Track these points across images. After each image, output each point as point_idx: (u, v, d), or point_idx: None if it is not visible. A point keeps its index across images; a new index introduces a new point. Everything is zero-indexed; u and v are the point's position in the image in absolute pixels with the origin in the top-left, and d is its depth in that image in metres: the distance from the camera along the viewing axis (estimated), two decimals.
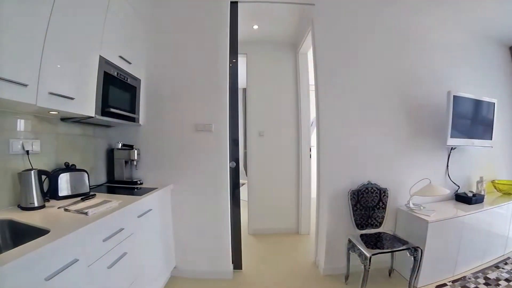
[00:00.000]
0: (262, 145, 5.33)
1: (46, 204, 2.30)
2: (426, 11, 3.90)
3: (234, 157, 3.71)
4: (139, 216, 2.66)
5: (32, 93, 1.87)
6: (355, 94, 3.72)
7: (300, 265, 4.01)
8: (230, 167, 3.63)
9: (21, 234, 1.80)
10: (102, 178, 3.55)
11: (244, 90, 6.32)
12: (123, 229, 2.31)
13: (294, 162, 5.36)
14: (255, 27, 4.85)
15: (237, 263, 3.80)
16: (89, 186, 2.87)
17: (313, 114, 5.15)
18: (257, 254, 4.41)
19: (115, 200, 2.45)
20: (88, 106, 2.50)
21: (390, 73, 3.79)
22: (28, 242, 1.46)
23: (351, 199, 3.49)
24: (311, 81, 4.97)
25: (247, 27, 4.68)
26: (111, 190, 3.23)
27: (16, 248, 1.39)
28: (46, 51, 1.96)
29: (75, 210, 2.11)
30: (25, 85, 1.78)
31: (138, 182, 3.52)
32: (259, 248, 4.68)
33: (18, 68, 1.74)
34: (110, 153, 3.58)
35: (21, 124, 2.32)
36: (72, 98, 2.25)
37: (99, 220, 1.95)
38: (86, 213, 2.04)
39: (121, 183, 3.49)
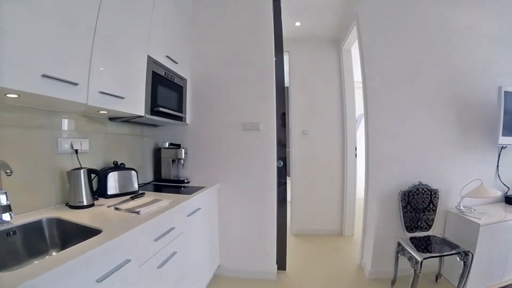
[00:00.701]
0: (306, 144, 5.19)
1: (95, 202, 2.27)
2: (476, 1, 3.64)
3: (281, 156, 3.60)
4: (188, 215, 2.61)
5: (83, 92, 1.85)
6: (404, 90, 3.52)
7: (345, 267, 3.86)
8: (277, 166, 3.53)
9: (72, 233, 1.77)
10: (149, 176, 3.55)
11: (287, 88, 6.22)
12: (174, 228, 2.26)
13: (339, 162, 5.16)
14: (297, 24, 4.73)
15: (281, 264, 3.68)
16: (139, 185, 2.86)
17: (358, 112, 5.02)
18: (301, 255, 4.28)
19: (165, 199, 2.40)
20: (137, 106, 2.49)
21: (439, 67, 3.53)
22: (79, 242, 1.42)
23: (401, 200, 3.30)
24: (356, 78, 4.85)
25: (289, 24, 4.55)
26: (158, 188, 3.22)
27: (69, 248, 1.33)
28: (95, 50, 1.93)
29: (126, 209, 2.06)
30: (76, 84, 1.76)
31: (185, 181, 3.49)
32: (302, 249, 4.54)
33: (68, 67, 1.72)
34: (157, 152, 3.59)
35: (70, 124, 2.31)
36: (122, 98, 2.23)
37: (152, 219, 1.89)
38: (138, 212, 1.98)
39: (167, 182, 3.48)
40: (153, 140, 3.64)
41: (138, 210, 2.01)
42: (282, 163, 3.61)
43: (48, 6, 1.56)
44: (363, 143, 3.72)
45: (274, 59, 3.54)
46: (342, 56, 5.15)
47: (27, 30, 1.44)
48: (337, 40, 5.20)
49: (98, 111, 2.30)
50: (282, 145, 3.63)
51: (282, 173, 3.65)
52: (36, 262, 1.19)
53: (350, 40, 4.71)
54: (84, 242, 1.41)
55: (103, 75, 2.04)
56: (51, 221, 1.87)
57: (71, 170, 2.16)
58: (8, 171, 1.50)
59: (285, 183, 3.72)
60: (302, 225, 5.18)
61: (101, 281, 1.38)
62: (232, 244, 3.60)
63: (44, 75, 1.52)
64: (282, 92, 3.66)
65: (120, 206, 2.13)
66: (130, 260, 1.63)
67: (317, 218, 5.21)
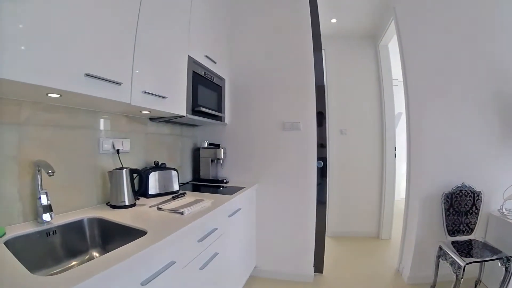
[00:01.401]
0: (343, 143, 5.01)
1: (136, 202, 2.24)
2: None
3: (320, 156, 3.47)
4: (229, 216, 2.55)
5: (126, 92, 1.83)
6: (446, 87, 3.30)
7: (382, 271, 3.69)
8: (317, 166, 3.41)
9: (115, 233, 1.75)
10: (187, 176, 3.53)
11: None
12: (217, 229, 2.20)
13: (377, 162, 4.96)
14: (333, 20, 4.61)
15: (318, 266, 3.54)
16: (179, 185, 2.83)
17: (397, 110, 4.84)
18: (337, 258, 4.12)
19: (207, 199, 2.35)
20: (179, 105, 2.46)
21: (482, 63, 3.27)
22: (123, 242, 1.39)
23: (444, 203, 3.11)
24: (394, 75, 4.70)
25: (325, 21, 4.41)
26: (197, 188, 3.18)
27: (115, 250, 1.29)
28: (138, 50, 1.92)
29: (169, 210, 2.02)
30: (119, 84, 1.74)
31: (224, 181, 3.44)
32: (338, 251, 4.39)
33: (111, 67, 1.70)
34: (195, 152, 3.57)
35: (111, 124, 2.30)
36: (164, 97, 2.21)
37: (197, 220, 1.84)
38: (181, 213, 1.93)
39: (206, 182, 3.44)
40: (192, 140, 3.62)
41: (182, 210, 1.95)
42: (322, 163, 3.48)
43: (91, 7, 1.55)
44: (402, 142, 3.56)
45: (313, 56, 3.42)
46: (380, 53, 4.95)
47: (69, 31, 1.42)
48: (374, 37, 5.01)
49: (140, 111, 2.30)
50: (322, 145, 3.50)
51: (322, 173, 3.53)
52: (83, 265, 1.14)
53: (388, 36, 4.52)
54: (130, 243, 1.37)
55: (145, 75, 2.02)
56: (92, 221, 1.85)
57: (113, 169, 2.14)
58: (50, 171, 1.49)
59: (325, 184, 3.59)
60: (338, 227, 5.01)
61: (146, 284, 1.33)
62: (269, 245, 3.51)
63: (87, 74, 1.51)
64: (321, 91, 3.53)
65: (163, 206, 2.09)
66: (175, 262, 1.58)
67: (354, 220, 5.03)
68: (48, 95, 1.51)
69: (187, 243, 1.79)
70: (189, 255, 1.81)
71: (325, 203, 3.59)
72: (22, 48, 1.21)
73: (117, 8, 1.75)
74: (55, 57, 1.35)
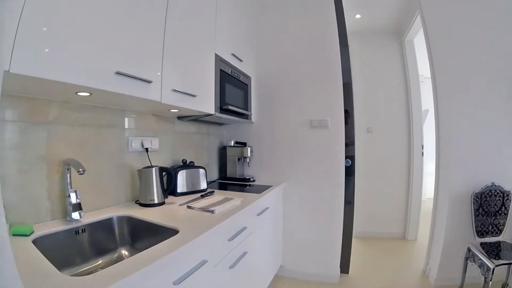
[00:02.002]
0: (369, 142, 4.85)
1: (165, 201, 2.21)
2: None
3: (348, 154, 3.37)
4: (258, 215, 2.49)
5: (156, 90, 1.83)
6: (475, 83, 3.11)
7: (409, 273, 3.54)
8: (344, 165, 3.32)
9: (145, 232, 1.74)
10: (214, 175, 3.51)
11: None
12: (246, 228, 2.15)
13: (404, 161, 4.77)
14: (358, 16, 4.47)
15: (344, 267, 3.43)
16: (207, 183, 2.81)
17: (424, 107, 4.70)
18: (362, 258, 3.99)
19: (236, 197, 2.31)
20: (208, 104, 2.45)
21: None
22: (153, 241, 1.38)
23: (473, 203, 2.96)
24: (421, 71, 4.57)
25: (349, 17, 4.25)
26: (224, 186, 3.16)
27: (149, 249, 1.27)
28: (166, 49, 1.91)
29: (199, 208, 1.98)
30: (149, 82, 1.73)
31: (251, 179, 3.39)
32: (364, 252, 4.25)
33: (140, 65, 1.69)
34: (222, 150, 3.54)
35: (139, 123, 2.30)
36: (194, 96, 2.20)
37: (228, 219, 1.80)
38: (212, 211, 1.90)
39: (233, 180, 3.41)
40: (218, 138, 3.59)
41: (212, 209, 1.92)
42: (350, 162, 3.37)
43: (121, 5, 1.55)
44: (429, 140, 3.42)
45: (340, 52, 3.32)
46: (405, 48, 4.79)
47: (101, 30, 1.43)
48: (399, 32, 4.83)
49: (169, 110, 2.28)
50: (349, 143, 3.40)
51: (349, 172, 3.42)
52: (117, 264, 1.12)
53: (413, 31, 4.37)
54: (163, 242, 1.35)
55: (174, 74, 2.02)
56: (122, 219, 1.84)
57: (143, 168, 2.13)
58: (80, 169, 1.48)
59: (353, 183, 3.48)
60: (363, 227, 4.83)
61: (178, 284, 1.29)
62: (295, 244, 3.42)
63: (117, 73, 1.50)
64: (348, 88, 3.42)
65: (193, 205, 2.06)
66: (207, 261, 1.54)
67: (379, 221, 4.85)
68: (78, 93, 1.51)
69: (217, 242, 1.75)
70: (219, 254, 1.77)
71: (353, 202, 3.48)
72: (56, 47, 1.20)
73: (146, 7, 1.75)
74: (87, 55, 1.35)
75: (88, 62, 1.35)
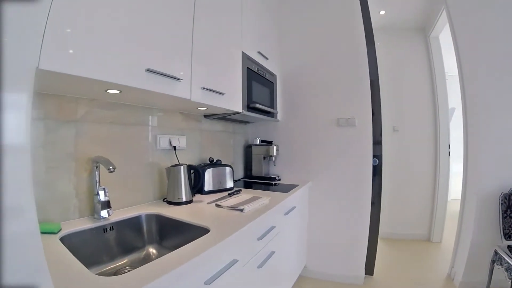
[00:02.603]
0: (395, 140, 4.69)
1: (193, 199, 2.18)
2: None
3: (375, 153, 3.25)
4: (285, 214, 2.43)
5: (186, 87, 1.80)
6: (507, 79, 2.93)
7: (433, 276, 3.40)
8: (372, 164, 3.22)
9: (174, 230, 1.72)
10: (239, 173, 3.46)
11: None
12: (274, 227, 2.10)
13: (430, 160, 4.59)
14: (382, 12, 4.34)
15: (368, 269, 3.33)
16: (233, 181, 2.77)
17: (450, 105, 4.55)
18: (387, 260, 3.85)
19: (264, 196, 2.27)
20: (236, 102, 2.40)
21: None
22: (183, 239, 1.42)
23: (501, 204, 2.80)
24: (447, 68, 4.42)
25: (374, 13, 4.13)
26: (250, 185, 3.10)
27: (180, 249, 1.23)
28: (195, 47, 1.88)
29: (228, 207, 1.95)
30: (179, 79, 1.70)
31: (277, 178, 3.33)
32: (388, 254, 4.11)
33: (171, 63, 1.67)
34: (247, 149, 3.50)
35: (167, 121, 2.29)
36: (222, 94, 2.15)
37: (258, 218, 1.76)
38: (241, 210, 1.86)
39: (258, 179, 3.36)
40: (243, 137, 3.55)
41: (241, 208, 1.88)
42: (377, 161, 3.26)
43: (153, 1, 1.55)
44: (455, 140, 3.29)
45: (366, 49, 3.23)
46: (431, 45, 4.61)
47: (132, 28, 1.42)
48: (424, 28, 4.66)
49: (197, 108, 2.26)
50: (376, 141, 3.28)
51: (376, 172, 3.29)
52: (149, 263, 1.10)
53: (438, 27, 4.21)
54: (195, 241, 1.33)
55: (203, 71, 1.99)
56: (150, 217, 1.83)
57: (171, 166, 2.11)
58: (110, 167, 1.47)
59: (380, 183, 3.36)
60: (388, 228, 4.66)
61: (209, 283, 1.26)
62: (320, 244, 3.33)
63: (148, 70, 1.48)
64: (375, 85, 3.32)
65: (221, 203, 2.03)
66: (238, 261, 1.50)
67: (404, 222, 4.68)
68: (107, 91, 1.50)
69: (247, 241, 1.72)
70: (249, 254, 1.74)
71: (379, 203, 3.36)
72: (89, 45, 1.19)
73: (176, 4, 1.73)
74: (119, 52, 1.34)
75: (120, 59, 1.33)
